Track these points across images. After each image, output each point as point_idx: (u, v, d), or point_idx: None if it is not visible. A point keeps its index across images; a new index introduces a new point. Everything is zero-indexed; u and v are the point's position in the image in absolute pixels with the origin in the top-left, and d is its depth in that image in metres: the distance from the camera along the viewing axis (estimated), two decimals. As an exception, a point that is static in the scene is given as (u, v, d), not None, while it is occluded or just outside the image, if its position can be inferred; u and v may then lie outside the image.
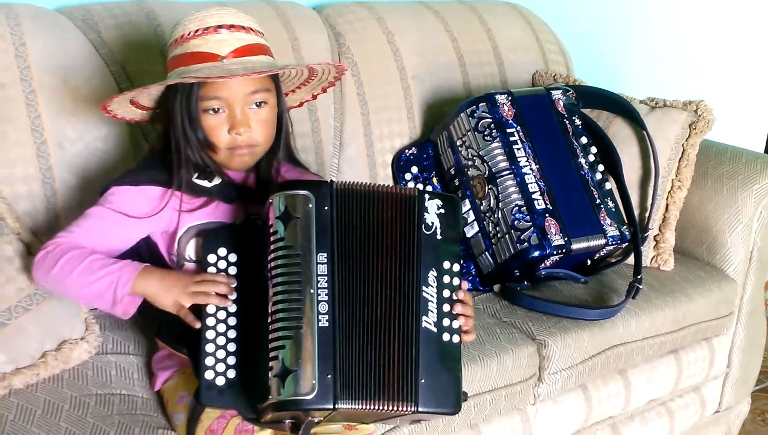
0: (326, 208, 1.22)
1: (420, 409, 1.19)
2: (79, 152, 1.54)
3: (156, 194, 1.32)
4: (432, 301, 1.23)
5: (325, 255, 1.20)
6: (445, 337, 1.23)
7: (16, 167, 1.48)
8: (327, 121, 1.86)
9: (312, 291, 1.18)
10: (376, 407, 1.18)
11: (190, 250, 1.34)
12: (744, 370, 2.09)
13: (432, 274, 1.24)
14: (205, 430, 1.26)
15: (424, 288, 1.23)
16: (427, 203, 1.27)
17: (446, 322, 1.24)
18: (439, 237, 1.26)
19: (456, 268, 1.26)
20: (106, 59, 1.62)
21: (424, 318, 1.22)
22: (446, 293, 1.25)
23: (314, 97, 1.50)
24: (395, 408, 1.19)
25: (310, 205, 1.22)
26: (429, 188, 1.85)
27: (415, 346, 1.20)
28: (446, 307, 1.24)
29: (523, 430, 1.69)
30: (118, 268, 1.25)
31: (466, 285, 1.28)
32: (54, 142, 1.51)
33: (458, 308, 1.25)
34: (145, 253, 1.36)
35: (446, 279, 1.25)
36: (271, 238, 1.21)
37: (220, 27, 1.28)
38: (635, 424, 1.91)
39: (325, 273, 1.19)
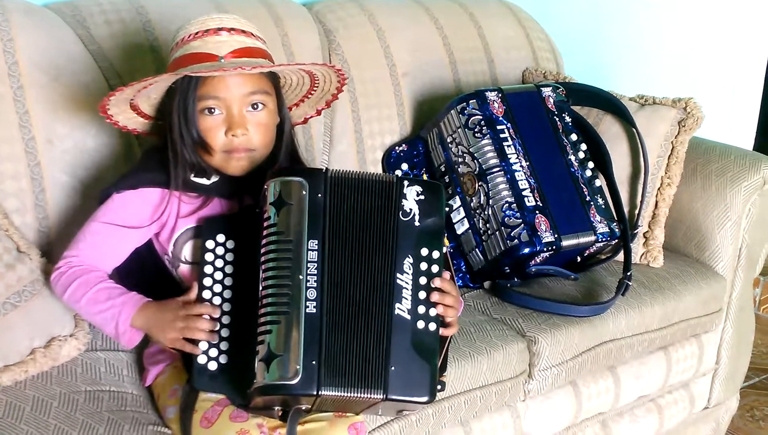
0: (320, 195, 1.23)
1: (390, 396, 1.19)
2: (69, 149, 1.53)
3: (155, 197, 1.33)
4: (407, 288, 1.22)
5: (316, 242, 1.20)
6: (420, 324, 1.22)
7: (4, 164, 1.47)
8: (317, 117, 1.85)
9: (301, 277, 1.19)
10: (354, 395, 1.19)
11: (186, 252, 1.34)
12: (733, 366, 2.10)
13: (408, 261, 1.23)
14: (200, 419, 1.26)
15: (398, 275, 1.22)
16: (405, 190, 1.26)
17: (422, 309, 1.23)
18: (417, 223, 1.25)
19: (436, 254, 1.25)
20: (95, 55, 1.61)
21: (397, 305, 1.21)
22: (423, 280, 1.24)
23: (318, 113, 1.50)
24: (366, 395, 1.19)
25: (304, 192, 1.22)
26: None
27: (387, 333, 1.20)
28: (423, 295, 1.23)
29: (513, 427, 1.69)
30: (120, 303, 1.28)
31: (447, 274, 1.27)
32: (43, 139, 1.51)
33: (435, 296, 1.23)
34: (145, 254, 1.36)
35: (423, 266, 1.24)
36: (264, 224, 1.22)
37: (220, 29, 1.29)
38: (625, 421, 1.92)
39: (315, 260, 1.20)
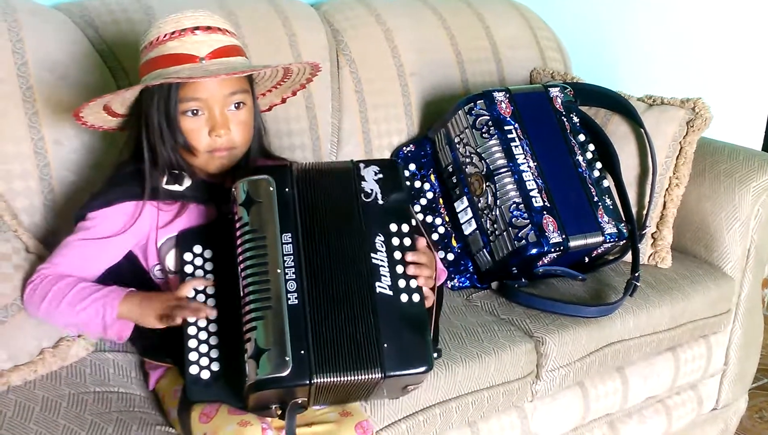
0: (287, 189, 1.25)
1: (388, 373, 1.20)
2: (77, 149, 1.54)
3: (131, 209, 1.33)
4: (383, 266, 1.24)
5: (290, 235, 1.23)
6: (404, 298, 1.24)
7: (13, 164, 1.48)
8: (325, 118, 1.86)
9: (279, 271, 1.20)
10: (351, 379, 1.19)
11: (170, 262, 1.34)
12: (741, 367, 2.09)
13: (379, 240, 1.26)
14: (200, 414, 1.26)
15: (372, 254, 1.24)
16: (363, 172, 1.29)
17: (402, 283, 1.24)
18: (380, 202, 1.28)
19: (405, 228, 1.27)
20: (103, 56, 1.62)
21: (377, 284, 1.23)
22: (398, 255, 1.26)
23: (283, 101, 1.51)
24: (363, 377, 1.20)
25: (271, 189, 1.24)
26: (427, 186, 1.84)
27: (373, 313, 1.21)
28: (400, 269, 1.25)
29: (521, 428, 1.69)
30: (103, 295, 1.27)
31: (423, 242, 1.28)
32: (51, 139, 1.51)
33: (412, 269, 1.25)
34: (126, 270, 1.36)
35: (395, 241, 1.26)
36: (237, 225, 1.23)
37: (196, 28, 1.28)
38: (633, 422, 1.92)
39: (291, 252, 1.22)
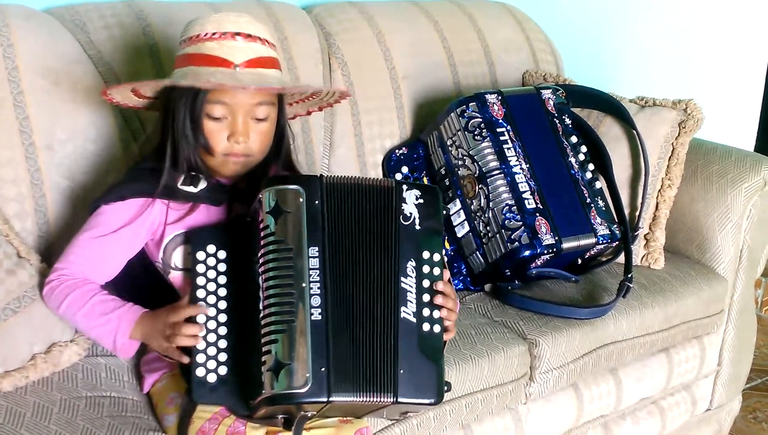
0: (317, 202, 1.23)
1: (399, 399, 1.19)
2: (69, 154, 1.53)
3: (142, 205, 1.33)
4: (411, 292, 1.23)
5: (317, 249, 1.21)
6: (425, 327, 1.23)
7: (4, 169, 1.47)
8: (317, 121, 1.85)
9: (304, 285, 1.19)
10: (364, 400, 1.19)
11: (176, 259, 1.34)
12: (735, 368, 2.10)
13: (411, 265, 1.24)
14: (197, 432, 1.26)
15: (402, 278, 1.23)
16: (405, 194, 1.27)
17: (426, 312, 1.23)
18: (417, 227, 1.26)
19: (436, 257, 1.26)
20: (95, 60, 1.61)
21: (402, 308, 1.22)
22: (426, 283, 1.24)
23: (308, 113, 1.51)
24: (375, 399, 1.19)
25: (301, 200, 1.22)
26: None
27: (394, 337, 1.21)
28: (426, 298, 1.24)
29: (514, 430, 1.69)
30: (117, 317, 1.28)
31: (447, 275, 1.28)
32: (43, 144, 1.51)
33: (439, 299, 1.24)
34: (136, 264, 1.36)
35: (426, 269, 1.25)
36: (262, 233, 1.21)
37: (237, 34, 1.29)
38: (627, 423, 1.92)
39: (317, 267, 1.20)
